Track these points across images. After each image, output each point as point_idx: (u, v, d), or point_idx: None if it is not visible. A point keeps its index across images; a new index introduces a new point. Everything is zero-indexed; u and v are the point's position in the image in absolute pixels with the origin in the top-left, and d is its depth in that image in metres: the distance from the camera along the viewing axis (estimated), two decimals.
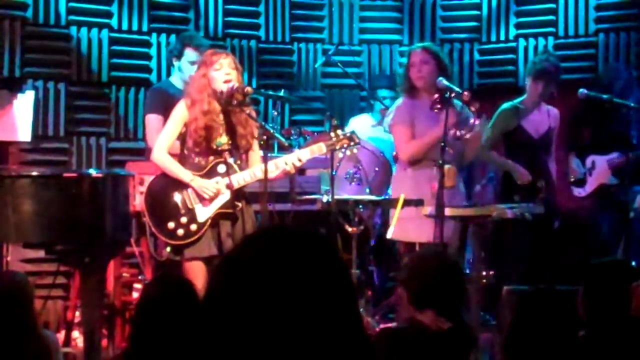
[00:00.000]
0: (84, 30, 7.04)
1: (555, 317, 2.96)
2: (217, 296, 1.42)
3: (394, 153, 6.00)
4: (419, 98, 5.57)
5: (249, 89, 5.03)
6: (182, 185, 4.97)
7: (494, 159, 6.32)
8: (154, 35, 7.28)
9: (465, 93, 5.27)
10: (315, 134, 6.03)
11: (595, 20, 7.47)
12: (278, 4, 7.72)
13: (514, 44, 7.74)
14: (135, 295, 6.05)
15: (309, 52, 7.83)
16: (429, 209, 5.24)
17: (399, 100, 5.71)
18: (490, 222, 5.33)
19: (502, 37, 7.80)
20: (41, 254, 5.80)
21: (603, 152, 6.47)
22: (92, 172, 5.38)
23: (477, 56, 7.90)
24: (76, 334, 5.79)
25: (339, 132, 5.06)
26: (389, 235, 5.39)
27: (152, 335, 3.03)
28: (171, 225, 4.94)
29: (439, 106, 5.38)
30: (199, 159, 5.01)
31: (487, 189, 6.64)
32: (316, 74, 7.78)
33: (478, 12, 7.87)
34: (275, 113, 6.59)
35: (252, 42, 7.63)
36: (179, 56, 5.93)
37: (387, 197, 5.82)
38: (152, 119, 5.86)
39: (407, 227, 5.34)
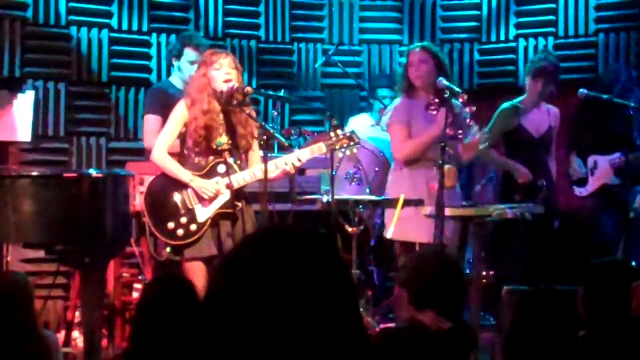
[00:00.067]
0: (84, 30, 7.04)
1: (555, 317, 2.96)
2: (217, 296, 1.42)
3: None
4: (417, 97, 5.58)
5: (249, 89, 5.03)
6: (181, 186, 4.97)
7: (494, 159, 6.32)
8: (154, 35, 7.28)
9: (463, 95, 5.29)
10: (315, 134, 6.03)
11: (595, 20, 7.47)
12: (278, 4, 7.72)
13: (514, 44, 7.74)
14: (135, 295, 6.05)
15: (309, 52, 7.83)
16: (428, 209, 5.25)
17: (397, 100, 5.72)
18: (490, 222, 5.33)
19: (502, 37, 7.80)
20: (41, 254, 5.81)
21: (605, 152, 6.47)
22: (92, 172, 5.38)
23: (477, 56, 7.90)
24: (76, 334, 5.79)
25: (339, 132, 5.06)
26: (389, 235, 5.39)
27: (152, 336, 3.03)
28: (171, 225, 4.94)
29: (434, 106, 5.41)
30: (198, 159, 5.01)
31: (487, 189, 6.64)
32: (316, 74, 7.78)
33: (478, 12, 7.87)
34: (275, 113, 6.59)
35: (252, 42, 7.63)
36: (179, 56, 5.93)
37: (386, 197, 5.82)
38: (150, 120, 5.86)
39: (406, 227, 5.35)
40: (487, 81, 7.86)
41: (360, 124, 6.88)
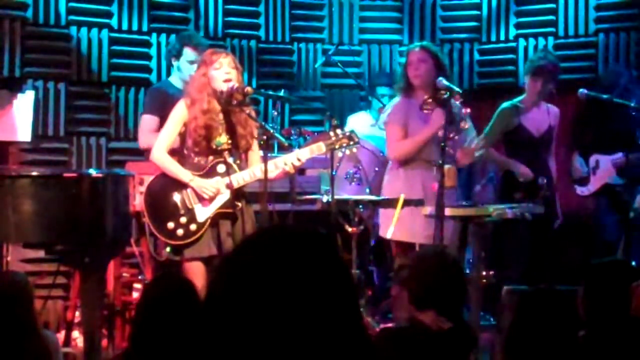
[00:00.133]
0: (84, 30, 7.04)
1: (555, 317, 2.96)
2: (217, 296, 1.42)
3: None
4: (416, 97, 5.58)
5: (249, 89, 5.03)
6: (181, 185, 4.97)
7: (495, 158, 6.32)
8: (154, 35, 7.28)
9: (457, 96, 5.31)
10: (315, 133, 6.03)
11: (595, 20, 7.47)
12: (278, 4, 7.72)
13: (514, 44, 7.74)
14: (135, 295, 6.05)
15: (309, 52, 7.83)
16: (428, 209, 5.26)
17: (396, 99, 5.72)
18: (490, 222, 5.33)
19: (502, 37, 7.80)
20: (41, 254, 5.80)
21: (607, 151, 6.47)
22: (92, 172, 5.37)
23: (477, 56, 7.90)
24: (76, 334, 5.79)
25: (338, 131, 5.06)
26: (388, 235, 5.39)
27: (153, 336, 3.03)
28: (171, 225, 4.94)
29: (428, 106, 5.42)
30: (198, 159, 5.01)
31: (487, 189, 6.64)
32: (316, 74, 7.78)
33: (478, 12, 7.87)
34: (275, 113, 6.59)
35: (252, 42, 7.63)
36: (178, 56, 5.94)
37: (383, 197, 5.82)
38: (146, 120, 5.89)
39: (400, 227, 5.35)
40: (487, 81, 7.86)
41: (360, 123, 6.88)
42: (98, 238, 4.73)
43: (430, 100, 5.45)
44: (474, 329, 4.11)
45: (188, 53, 5.90)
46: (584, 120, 6.63)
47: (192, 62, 5.81)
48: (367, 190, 5.99)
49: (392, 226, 5.31)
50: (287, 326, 1.36)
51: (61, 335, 5.74)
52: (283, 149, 5.47)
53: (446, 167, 5.18)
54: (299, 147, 5.57)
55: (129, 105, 7.18)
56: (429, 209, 5.25)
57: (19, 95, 6.41)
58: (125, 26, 7.18)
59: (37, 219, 4.57)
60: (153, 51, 7.26)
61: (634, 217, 6.17)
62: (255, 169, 4.96)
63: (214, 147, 4.97)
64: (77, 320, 5.69)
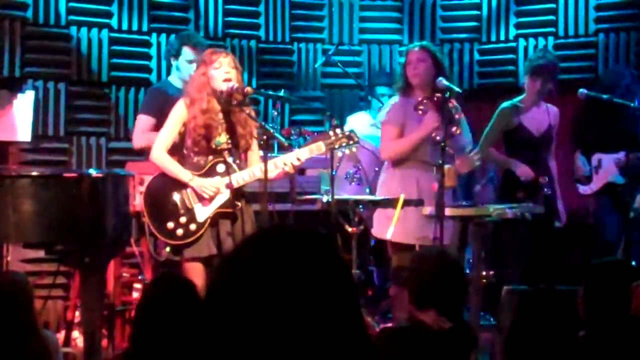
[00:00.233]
0: (84, 30, 7.04)
1: (555, 317, 2.96)
2: (218, 296, 1.42)
3: None
4: (414, 97, 5.59)
5: (248, 89, 5.03)
6: (181, 185, 4.97)
7: (495, 157, 6.32)
8: (154, 35, 7.28)
9: (452, 100, 5.35)
10: (315, 133, 6.02)
11: (595, 20, 7.47)
12: (278, 4, 7.72)
13: (514, 44, 7.74)
14: (135, 295, 6.05)
15: (309, 52, 7.84)
16: (428, 209, 5.26)
17: (394, 98, 5.72)
18: (490, 222, 5.34)
19: (502, 37, 7.80)
20: (41, 254, 5.80)
21: (610, 150, 6.47)
22: (92, 172, 5.37)
23: (477, 56, 7.90)
24: (76, 334, 5.79)
25: (338, 131, 5.06)
26: (388, 235, 5.39)
27: (153, 336, 3.03)
28: (170, 225, 4.94)
29: (422, 108, 5.44)
30: (198, 159, 5.00)
31: (487, 189, 6.64)
32: (316, 74, 7.78)
33: (478, 12, 7.87)
34: (275, 113, 6.59)
35: (252, 42, 7.63)
36: (177, 55, 5.94)
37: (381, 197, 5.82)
38: (142, 119, 5.90)
39: (398, 227, 5.36)
40: (487, 81, 7.86)
41: (359, 123, 6.87)
42: (98, 238, 4.72)
43: (424, 101, 5.47)
44: (474, 329, 4.11)
45: (187, 52, 5.90)
46: (586, 119, 6.63)
47: (191, 62, 5.81)
48: (367, 190, 6.00)
49: (392, 226, 5.31)
50: (288, 326, 1.36)
51: (61, 335, 5.74)
52: (283, 149, 5.46)
53: (446, 167, 5.19)
54: (299, 147, 5.57)
55: (129, 105, 7.18)
56: (428, 209, 5.25)
57: (19, 95, 6.41)
58: (125, 26, 7.18)
59: (37, 219, 4.57)
60: (153, 51, 7.27)
61: (634, 217, 6.17)
62: (254, 169, 4.96)
63: (214, 146, 4.97)
64: (77, 320, 5.69)
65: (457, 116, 5.43)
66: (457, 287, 3.42)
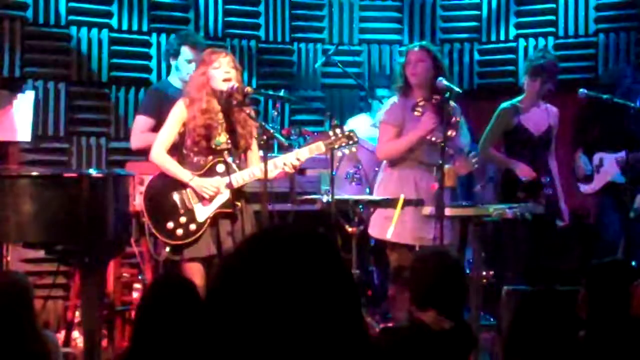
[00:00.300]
0: (84, 30, 7.04)
1: (555, 317, 2.96)
2: (218, 297, 1.42)
3: None
4: (413, 97, 5.59)
5: (248, 89, 5.03)
6: (181, 185, 4.97)
7: (496, 158, 6.32)
8: (154, 35, 7.28)
9: (451, 102, 5.38)
10: (315, 133, 6.03)
11: (595, 20, 7.47)
12: (278, 4, 7.72)
13: (514, 44, 7.74)
14: (135, 295, 6.05)
15: (309, 52, 7.83)
16: (428, 209, 5.27)
17: (393, 98, 5.72)
18: (490, 222, 5.34)
19: (502, 37, 7.80)
20: (41, 254, 5.80)
21: (612, 149, 6.47)
22: (92, 172, 5.38)
23: (477, 56, 7.90)
24: (76, 334, 5.79)
25: (338, 130, 5.06)
26: (388, 235, 5.39)
27: (154, 336, 3.03)
28: (170, 225, 4.94)
29: (420, 108, 5.46)
30: (197, 159, 5.00)
31: (487, 189, 6.64)
32: (316, 74, 7.77)
33: (478, 12, 7.87)
34: (275, 113, 6.59)
35: (252, 42, 7.63)
36: (176, 55, 5.95)
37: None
38: (140, 120, 5.91)
39: (403, 228, 5.37)
40: (487, 81, 7.86)
41: (360, 125, 6.87)
42: (98, 238, 4.72)
43: (422, 102, 5.49)
44: (474, 329, 4.11)
45: (186, 52, 5.90)
46: (588, 118, 6.62)
47: (190, 61, 5.82)
48: (367, 190, 5.99)
49: (392, 226, 5.32)
50: (288, 327, 1.36)
51: (61, 335, 5.74)
52: (283, 149, 5.46)
53: (446, 167, 5.19)
54: (299, 147, 5.57)
55: (129, 105, 7.18)
56: (428, 209, 5.26)
57: (19, 95, 6.41)
58: (125, 26, 7.18)
59: (37, 219, 4.57)
60: (153, 51, 7.26)
61: (634, 217, 6.17)
62: (254, 169, 4.96)
63: (213, 146, 4.97)
64: (77, 320, 5.69)
65: (456, 119, 5.44)
66: (458, 287, 3.42)
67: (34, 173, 4.79)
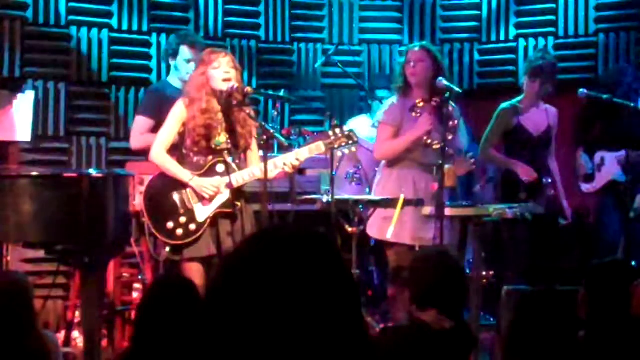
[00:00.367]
0: (84, 30, 7.04)
1: (555, 317, 2.96)
2: (218, 297, 1.42)
3: None
4: (412, 97, 5.60)
5: (248, 89, 5.03)
6: (181, 185, 4.97)
7: (497, 159, 6.31)
8: (154, 35, 7.28)
9: (450, 105, 5.39)
10: (315, 133, 6.03)
11: (595, 20, 7.47)
12: (278, 4, 7.72)
13: (514, 44, 7.74)
14: (135, 295, 6.05)
15: (309, 52, 7.84)
16: (428, 209, 5.27)
17: (392, 98, 5.73)
18: (490, 222, 5.34)
19: (502, 37, 7.80)
20: (41, 254, 5.80)
21: (613, 148, 6.46)
22: (92, 172, 5.38)
23: (477, 56, 7.90)
24: (76, 334, 5.79)
25: (337, 130, 5.06)
26: (388, 235, 5.39)
27: (154, 336, 3.03)
28: (170, 225, 4.94)
29: (418, 110, 5.47)
30: (197, 158, 5.00)
31: (487, 189, 6.64)
32: (316, 74, 7.77)
33: (478, 12, 7.87)
34: (275, 113, 6.59)
35: (252, 42, 7.63)
36: (175, 55, 5.95)
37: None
38: (139, 121, 5.92)
39: (385, 227, 5.38)
40: (487, 81, 7.86)
41: (360, 125, 6.87)
42: (98, 238, 4.72)
43: (421, 104, 5.50)
44: (474, 329, 4.11)
45: (184, 52, 5.90)
46: (589, 118, 6.62)
47: (189, 61, 5.82)
48: (367, 190, 5.99)
49: (392, 226, 5.32)
50: (288, 327, 1.36)
51: (61, 335, 5.74)
52: (283, 149, 5.46)
53: (446, 167, 5.20)
54: (299, 147, 5.57)
55: (129, 105, 7.18)
56: (428, 209, 5.26)
57: (19, 95, 6.41)
58: (125, 26, 7.19)
59: (37, 219, 4.57)
60: (153, 51, 7.27)
61: (635, 217, 6.17)
62: (254, 169, 4.96)
63: (213, 146, 4.97)
64: (77, 320, 5.69)
65: (453, 123, 5.44)
66: (458, 287, 3.43)
67: (34, 173, 4.79)
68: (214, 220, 4.95)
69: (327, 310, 1.38)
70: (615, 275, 3.32)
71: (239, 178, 4.96)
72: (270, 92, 6.82)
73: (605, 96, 6.08)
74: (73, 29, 7.01)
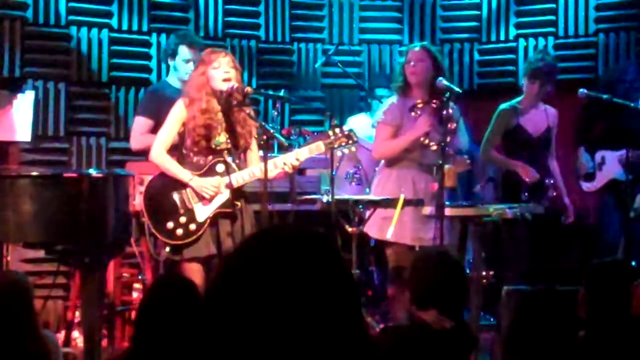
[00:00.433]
0: (84, 30, 7.04)
1: (555, 317, 2.96)
2: (218, 297, 1.42)
3: None
4: (412, 96, 5.60)
5: (248, 89, 5.03)
6: (180, 185, 4.97)
7: (499, 160, 6.29)
8: (154, 35, 7.28)
9: (450, 107, 5.39)
10: (315, 133, 6.03)
11: (595, 20, 7.47)
12: (278, 4, 7.72)
13: (514, 44, 7.74)
14: (135, 295, 6.05)
15: (309, 52, 7.83)
16: (428, 209, 5.27)
17: (392, 98, 5.73)
18: (490, 222, 5.34)
19: (502, 37, 7.80)
20: (41, 254, 5.80)
21: (613, 148, 6.46)
22: (92, 172, 5.38)
23: (477, 56, 7.90)
24: (76, 334, 5.79)
25: (337, 130, 5.06)
26: (388, 235, 5.40)
27: (154, 336, 3.03)
28: (170, 225, 4.94)
29: (418, 110, 5.48)
30: (197, 158, 5.00)
31: (487, 189, 6.64)
32: (316, 74, 7.77)
33: (478, 12, 7.87)
34: (275, 113, 6.59)
35: (252, 42, 7.63)
36: (173, 55, 5.96)
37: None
38: (139, 122, 5.93)
39: (384, 227, 5.38)
40: (487, 81, 7.86)
41: (360, 124, 6.87)
42: (98, 238, 4.72)
43: (420, 105, 5.50)
44: (474, 329, 4.11)
45: (183, 52, 5.91)
46: (590, 117, 6.62)
47: (187, 61, 5.83)
48: (367, 190, 5.99)
49: (392, 226, 5.32)
50: (288, 327, 1.36)
51: (61, 335, 5.74)
52: (283, 149, 5.46)
53: (446, 167, 5.20)
54: (299, 147, 5.57)
55: (129, 105, 7.18)
56: (428, 209, 5.27)
57: (19, 95, 6.41)
58: (125, 26, 7.18)
59: (37, 219, 4.57)
60: (153, 51, 7.26)
61: (635, 217, 6.17)
62: (254, 169, 4.96)
63: (213, 146, 4.97)
64: (77, 320, 5.69)
65: (451, 126, 5.45)
66: (458, 287, 3.43)
67: (34, 173, 4.79)
68: (214, 220, 4.95)
69: (327, 310, 1.38)
70: (615, 275, 3.32)
71: (239, 178, 4.96)
72: (270, 92, 6.82)
73: (605, 96, 6.08)
74: (73, 29, 7.01)
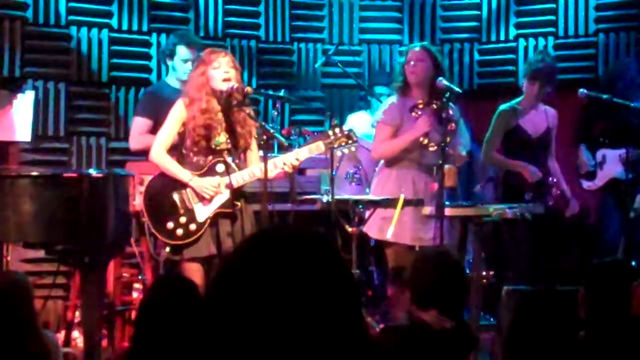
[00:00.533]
0: (84, 30, 7.04)
1: (555, 317, 2.96)
2: (218, 297, 1.42)
3: None
4: (412, 96, 5.60)
5: (248, 89, 5.03)
6: (180, 185, 4.97)
7: (500, 161, 6.27)
8: (154, 35, 7.28)
9: (450, 109, 5.41)
10: (315, 133, 6.03)
11: (595, 20, 7.47)
12: (278, 4, 7.72)
13: (514, 44, 7.74)
14: (135, 295, 6.05)
15: (309, 52, 7.83)
16: (428, 209, 5.27)
17: (392, 98, 5.74)
18: (490, 222, 5.34)
19: (502, 37, 7.80)
20: (41, 254, 5.80)
21: (615, 145, 6.46)
22: (92, 172, 5.37)
23: (477, 56, 7.90)
24: (76, 334, 5.79)
25: (337, 130, 5.06)
26: (388, 235, 5.40)
27: (155, 336, 3.03)
28: (170, 225, 4.94)
29: (418, 111, 5.49)
30: (197, 159, 5.00)
31: (487, 189, 6.64)
32: (316, 74, 7.77)
33: (478, 12, 7.87)
34: (275, 113, 6.59)
35: (252, 42, 7.63)
36: (172, 55, 5.96)
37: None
38: (138, 122, 5.94)
39: (384, 227, 5.38)
40: (487, 81, 7.85)
41: (359, 122, 6.87)
42: (98, 238, 4.72)
43: (420, 105, 5.51)
44: (474, 329, 4.11)
45: (181, 52, 5.91)
46: (590, 116, 6.61)
47: (186, 61, 5.83)
48: (367, 190, 5.99)
49: (392, 226, 5.32)
50: (288, 327, 1.36)
51: (61, 335, 5.74)
52: (283, 149, 5.46)
53: (446, 167, 5.20)
54: (299, 147, 5.57)
55: (129, 105, 7.18)
56: (428, 209, 5.27)
57: (19, 95, 6.41)
58: (125, 26, 7.18)
59: (37, 219, 4.57)
60: (153, 51, 7.26)
61: (635, 217, 6.17)
62: (254, 169, 4.96)
63: (213, 146, 4.97)
64: (77, 320, 5.69)
65: (451, 128, 5.45)
66: (458, 287, 3.43)
67: (34, 173, 4.79)
68: (214, 220, 4.95)
69: (327, 310, 1.38)
70: (615, 275, 3.32)
71: (239, 178, 4.96)
72: (270, 92, 6.82)
73: (605, 96, 6.08)
74: (73, 29, 7.01)
